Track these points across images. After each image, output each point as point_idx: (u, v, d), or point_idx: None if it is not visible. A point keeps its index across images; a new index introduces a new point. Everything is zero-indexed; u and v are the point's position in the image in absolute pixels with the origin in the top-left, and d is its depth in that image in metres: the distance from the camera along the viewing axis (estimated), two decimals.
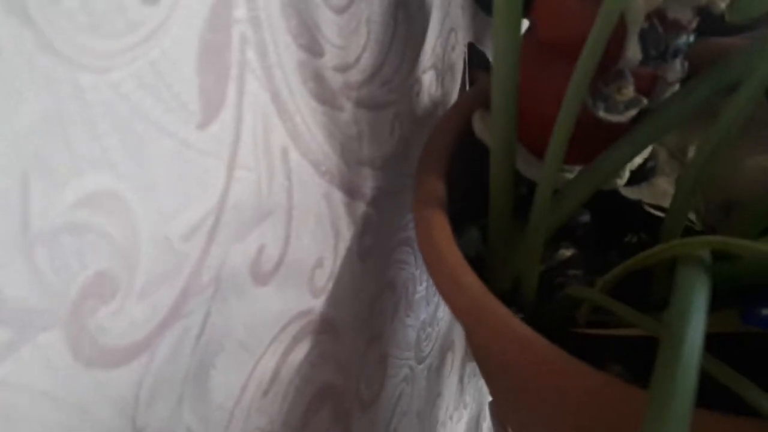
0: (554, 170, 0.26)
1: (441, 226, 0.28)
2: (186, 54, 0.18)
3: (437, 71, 0.35)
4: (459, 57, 0.38)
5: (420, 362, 0.43)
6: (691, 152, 0.34)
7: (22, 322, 0.15)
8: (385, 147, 0.32)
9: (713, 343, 0.26)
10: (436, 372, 0.47)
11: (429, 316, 0.43)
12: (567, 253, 0.31)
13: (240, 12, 0.20)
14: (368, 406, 0.35)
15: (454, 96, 0.38)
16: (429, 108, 0.36)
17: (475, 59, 0.38)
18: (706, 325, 0.27)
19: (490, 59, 0.40)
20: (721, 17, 0.32)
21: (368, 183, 0.31)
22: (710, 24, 0.32)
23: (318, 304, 0.28)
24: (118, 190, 0.17)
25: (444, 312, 0.48)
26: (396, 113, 0.32)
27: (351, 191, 0.29)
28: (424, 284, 0.42)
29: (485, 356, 0.31)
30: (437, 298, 0.45)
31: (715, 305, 0.28)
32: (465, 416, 0.57)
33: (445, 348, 0.48)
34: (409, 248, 0.38)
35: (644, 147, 0.28)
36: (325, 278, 0.28)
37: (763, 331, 0.24)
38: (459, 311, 0.26)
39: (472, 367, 0.58)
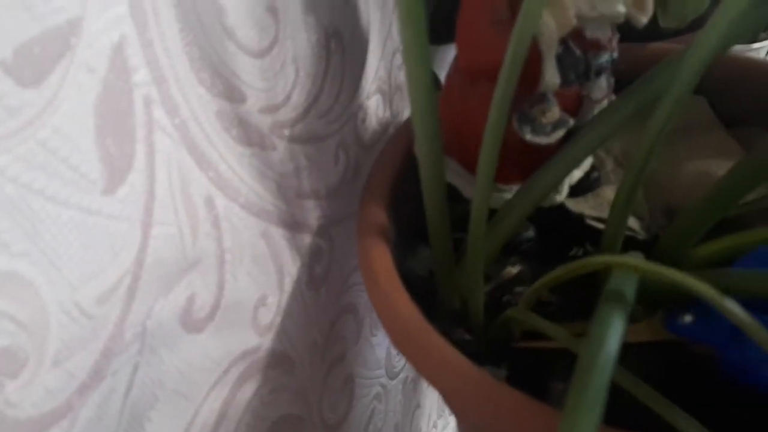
0: (485, 191, 0.26)
1: (381, 257, 0.28)
2: (81, 127, 0.19)
3: (384, 94, 0.35)
4: None
5: (393, 378, 0.43)
6: None
7: None
8: (330, 177, 0.32)
9: (645, 350, 0.26)
10: (413, 384, 0.47)
11: None
12: (513, 270, 0.31)
13: (140, 76, 0.20)
14: (335, 429, 0.36)
15: (405, 116, 0.39)
16: (378, 131, 0.36)
17: None
18: (633, 333, 0.27)
19: (439, 75, 0.40)
20: (654, 23, 0.31)
21: (313, 214, 0.31)
22: (647, 29, 0.31)
23: (265, 341, 0.28)
24: (15, 268, 0.17)
25: None
26: (339, 142, 0.32)
27: (293, 226, 0.29)
28: None
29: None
30: None
31: (648, 311, 0.28)
32: (451, 422, 0.57)
33: None
34: None
35: (576, 165, 0.28)
36: (270, 315, 0.29)
37: (685, 340, 0.24)
38: (397, 342, 0.27)
39: None
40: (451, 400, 0.29)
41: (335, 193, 0.32)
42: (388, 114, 0.36)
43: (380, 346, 0.41)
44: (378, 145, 0.35)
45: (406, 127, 0.33)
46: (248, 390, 0.28)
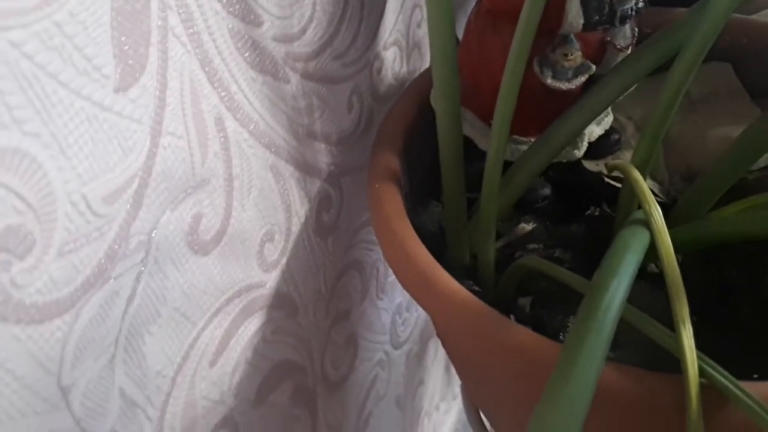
0: (501, 138, 0.26)
1: (392, 199, 0.28)
2: (97, 18, 0.19)
3: (401, 48, 0.35)
4: (426, 34, 0.38)
5: (397, 347, 0.42)
6: None
7: None
8: (343, 122, 0.32)
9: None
10: (417, 359, 0.46)
11: (406, 300, 0.43)
12: (527, 227, 0.31)
13: None
14: (336, 386, 0.35)
15: None
16: (394, 85, 0.36)
17: None
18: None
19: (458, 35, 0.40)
20: None
21: (324, 159, 0.31)
22: None
23: (270, 278, 0.28)
24: (26, 147, 0.17)
25: None
26: (354, 89, 0.32)
27: (303, 166, 0.29)
28: None
29: (440, 331, 0.31)
30: None
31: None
32: (455, 407, 0.56)
33: (427, 336, 0.48)
34: None
35: (595, 115, 0.28)
36: (277, 253, 0.28)
37: None
38: (405, 280, 0.26)
39: None
40: (456, 341, 0.28)
41: (347, 141, 0.32)
42: (404, 70, 0.36)
43: (386, 311, 0.40)
44: (393, 99, 0.35)
45: (422, 79, 0.33)
46: (251, 326, 0.27)
